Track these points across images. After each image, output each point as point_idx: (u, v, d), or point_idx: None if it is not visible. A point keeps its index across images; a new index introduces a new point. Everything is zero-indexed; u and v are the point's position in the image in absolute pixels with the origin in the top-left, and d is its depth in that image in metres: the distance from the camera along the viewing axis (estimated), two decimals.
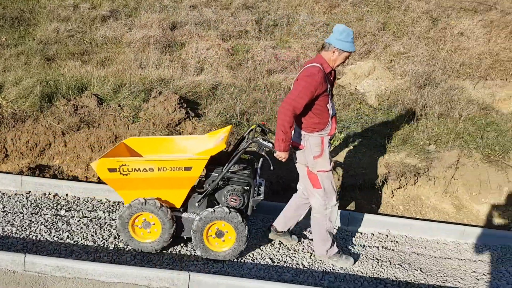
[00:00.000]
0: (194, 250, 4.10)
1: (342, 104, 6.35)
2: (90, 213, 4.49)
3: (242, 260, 4.00)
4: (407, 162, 5.50)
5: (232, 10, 8.35)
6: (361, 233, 4.80)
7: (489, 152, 5.42)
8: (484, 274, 4.18)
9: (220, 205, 3.93)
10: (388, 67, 7.10)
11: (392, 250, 4.54)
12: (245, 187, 3.94)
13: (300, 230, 4.62)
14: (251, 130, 4.16)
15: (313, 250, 4.25)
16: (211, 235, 3.88)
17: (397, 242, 4.71)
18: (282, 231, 4.27)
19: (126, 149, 4.21)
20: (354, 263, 4.15)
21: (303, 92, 3.47)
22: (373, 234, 4.79)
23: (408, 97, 6.44)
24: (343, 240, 4.60)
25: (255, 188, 3.93)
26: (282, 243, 4.33)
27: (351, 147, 5.71)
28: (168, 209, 3.82)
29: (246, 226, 3.83)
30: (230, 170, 3.83)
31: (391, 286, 3.90)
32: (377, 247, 4.54)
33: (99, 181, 5.02)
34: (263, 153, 3.83)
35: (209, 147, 4.13)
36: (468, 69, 7.00)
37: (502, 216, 5.14)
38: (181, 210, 3.97)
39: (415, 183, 5.40)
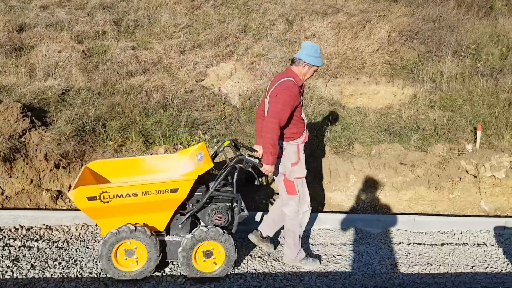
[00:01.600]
0: (44, 271, 3.82)
1: (206, 105, 6.42)
2: None
3: (108, 277, 3.84)
4: None
5: (88, 10, 7.92)
6: None
7: (336, 144, 5.95)
8: (334, 256, 4.58)
9: (204, 224, 3.88)
10: (250, 68, 7.37)
11: (254, 244, 4.73)
12: (228, 204, 3.92)
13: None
14: (225, 146, 4.15)
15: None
16: (199, 256, 3.83)
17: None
18: (267, 237, 4.38)
19: (91, 175, 3.91)
20: (320, 263, 4.37)
21: (285, 105, 3.66)
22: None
23: None
24: None
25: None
26: None
27: (215, 148, 5.81)
28: (156, 237, 3.69)
29: (234, 245, 3.84)
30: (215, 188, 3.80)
31: (250, 279, 4.06)
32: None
33: None
34: (249, 169, 3.86)
35: (182, 165, 4.06)
36: (320, 69, 7.58)
37: (350, 200, 5.69)
38: (164, 233, 3.83)
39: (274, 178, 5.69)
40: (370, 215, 5.39)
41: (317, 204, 5.58)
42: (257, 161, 3.85)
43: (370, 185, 5.71)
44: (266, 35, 8.11)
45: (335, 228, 5.15)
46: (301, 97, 3.87)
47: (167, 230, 3.90)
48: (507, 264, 4.58)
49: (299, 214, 4.09)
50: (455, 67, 7.60)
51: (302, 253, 4.28)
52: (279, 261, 4.37)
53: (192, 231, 3.76)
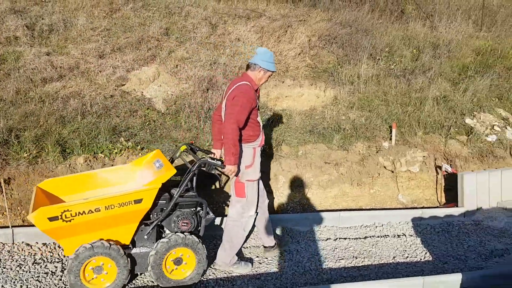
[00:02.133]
0: None
1: (129, 111, 6.21)
2: None
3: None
4: None
5: None
6: None
7: (265, 146, 6.02)
8: (265, 257, 4.61)
9: (169, 232, 3.85)
10: (174, 71, 7.25)
11: None
12: (192, 209, 3.91)
13: None
14: (182, 151, 4.18)
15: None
16: (170, 265, 3.81)
17: None
18: (275, 244, 4.58)
19: (43, 195, 3.75)
20: (252, 266, 4.41)
21: (243, 107, 3.82)
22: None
23: (194, 100, 6.69)
24: None
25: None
26: None
27: (140, 155, 5.63)
28: (119, 247, 3.60)
29: (204, 247, 3.88)
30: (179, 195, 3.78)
31: None
32: None
33: None
34: (213, 172, 3.89)
35: (138, 175, 4.06)
36: None
37: (280, 201, 5.79)
38: (130, 246, 3.77)
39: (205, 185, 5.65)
40: (298, 214, 5.52)
41: None
42: (219, 163, 3.90)
43: (298, 184, 5.85)
44: (189, 38, 8.02)
45: None
46: (257, 101, 4.04)
47: (133, 243, 3.82)
48: (426, 253, 4.91)
49: (244, 218, 4.17)
50: (370, 69, 8.04)
51: (235, 257, 4.29)
52: (210, 267, 4.33)
53: (159, 241, 3.73)
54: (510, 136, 7.36)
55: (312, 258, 4.68)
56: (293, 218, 5.37)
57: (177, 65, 7.36)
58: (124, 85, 6.71)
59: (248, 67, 4.06)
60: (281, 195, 5.86)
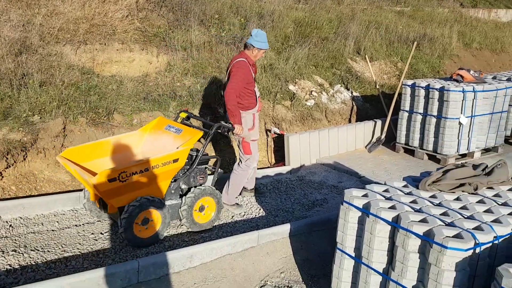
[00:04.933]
0: None
1: None
2: None
3: None
4: (11, 138, 5.00)
5: None
6: None
7: (94, 116, 5.61)
8: (101, 233, 4.38)
9: (186, 186, 4.50)
10: None
11: (6, 237, 4.12)
12: (204, 166, 4.60)
13: None
14: (183, 118, 4.90)
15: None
16: (196, 210, 4.44)
17: (11, 226, 4.31)
18: (252, 188, 5.46)
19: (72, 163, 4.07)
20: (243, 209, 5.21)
21: (239, 79, 4.63)
22: None
23: (4, 66, 5.79)
24: None
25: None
26: None
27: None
28: (164, 202, 4.23)
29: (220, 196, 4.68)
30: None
31: (5, 277, 3.52)
32: None
33: None
34: (226, 133, 4.66)
35: (147, 140, 4.65)
36: (66, 34, 6.89)
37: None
38: (164, 199, 4.27)
39: (24, 159, 5.01)
40: None
41: (79, 183, 5.19)
42: (230, 125, 4.60)
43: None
44: None
45: None
46: (253, 74, 4.83)
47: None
48: (260, 210, 5.28)
49: (250, 168, 5.06)
50: (202, 36, 8.07)
51: (235, 200, 5.16)
52: (39, 250, 3.92)
53: (195, 188, 4.41)
54: (325, 100, 8.33)
55: None
56: None
57: None
58: None
59: (245, 46, 4.83)
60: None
